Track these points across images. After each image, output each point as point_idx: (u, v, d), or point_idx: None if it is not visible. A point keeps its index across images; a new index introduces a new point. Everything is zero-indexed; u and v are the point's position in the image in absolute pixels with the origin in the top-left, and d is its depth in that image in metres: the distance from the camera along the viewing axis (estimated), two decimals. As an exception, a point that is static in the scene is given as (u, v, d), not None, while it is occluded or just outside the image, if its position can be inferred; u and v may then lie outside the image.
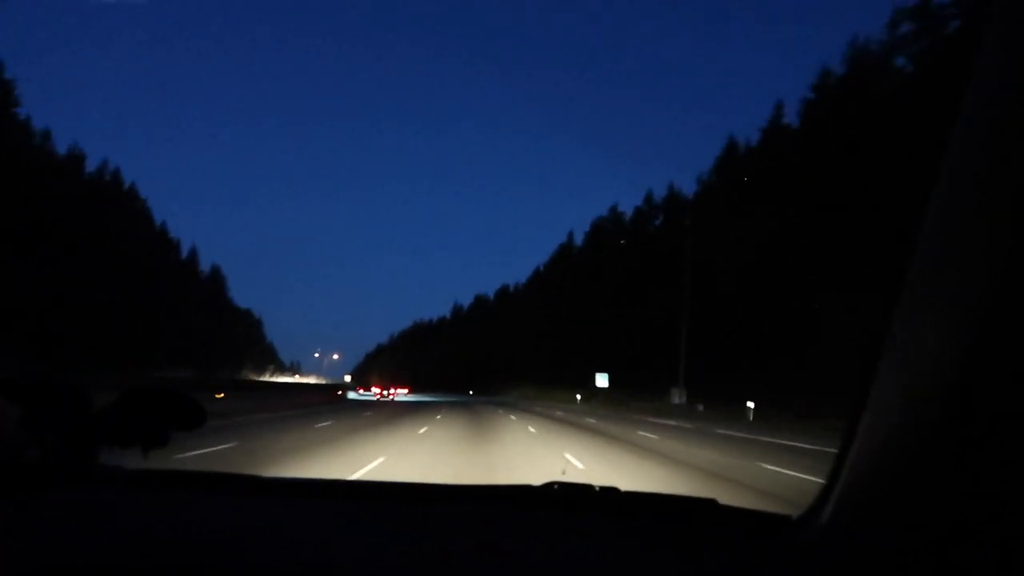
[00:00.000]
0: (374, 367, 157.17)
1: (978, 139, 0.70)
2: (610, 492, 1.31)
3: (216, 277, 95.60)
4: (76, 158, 57.87)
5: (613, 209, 74.73)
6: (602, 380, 51.40)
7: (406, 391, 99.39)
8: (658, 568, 0.97)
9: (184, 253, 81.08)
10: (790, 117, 42.99)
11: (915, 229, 0.76)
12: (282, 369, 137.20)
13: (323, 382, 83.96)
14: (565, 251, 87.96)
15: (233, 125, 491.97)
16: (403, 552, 0.99)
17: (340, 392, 54.23)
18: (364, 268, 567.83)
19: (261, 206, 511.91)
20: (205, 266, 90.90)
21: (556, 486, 1.33)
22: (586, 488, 1.32)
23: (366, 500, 1.34)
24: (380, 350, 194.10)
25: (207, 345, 68.66)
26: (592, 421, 25.74)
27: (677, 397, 35.15)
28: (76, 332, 42.66)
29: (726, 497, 1.33)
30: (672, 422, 25.60)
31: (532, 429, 19.21)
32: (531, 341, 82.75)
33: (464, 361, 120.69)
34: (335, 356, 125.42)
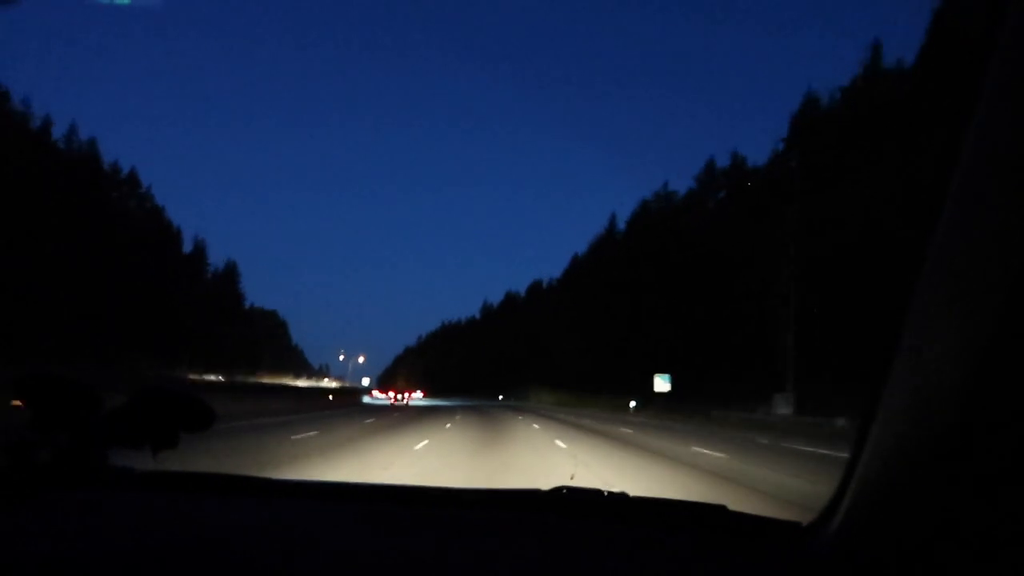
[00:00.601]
0: (400, 370, 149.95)
1: (992, 141, 0.69)
2: (619, 498, 1.31)
3: (230, 275, 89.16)
4: (81, 151, 54.72)
5: (664, 187, 63.95)
6: (662, 383, 41.71)
7: (421, 395, 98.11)
8: (667, 575, 0.97)
9: (190, 248, 76.13)
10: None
11: (926, 233, 0.74)
12: (310, 372, 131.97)
13: (344, 385, 79.85)
14: (606, 239, 76.41)
15: (263, 128, 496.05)
16: (410, 556, 1.00)
17: (353, 396, 52.08)
18: (394, 270, 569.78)
19: (290, 209, 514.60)
20: (218, 262, 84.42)
21: (565, 491, 1.33)
22: (595, 493, 1.32)
23: (375, 503, 1.35)
24: (408, 352, 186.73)
25: (211, 344, 64.08)
26: (679, 448, 14.95)
27: (783, 406, 26.71)
28: (67, 330, 41.22)
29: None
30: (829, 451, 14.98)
31: (575, 453, 12.78)
32: (567, 340, 72.14)
33: (492, 363, 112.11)
34: (360, 359, 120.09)
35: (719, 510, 1.19)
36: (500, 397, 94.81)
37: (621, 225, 73.48)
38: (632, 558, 1.02)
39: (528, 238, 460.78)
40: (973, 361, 0.66)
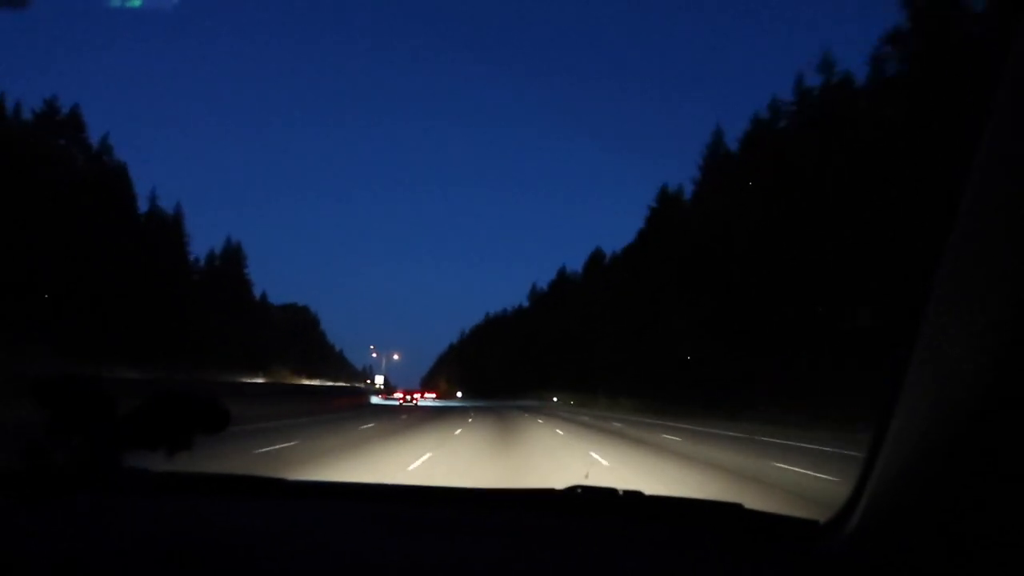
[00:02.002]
0: (441, 371, 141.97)
1: (1007, 139, 0.69)
2: (634, 496, 1.30)
3: (234, 269, 79.90)
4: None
5: (798, 85, 39.02)
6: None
7: (434, 396, 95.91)
8: (683, 574, 0.97)
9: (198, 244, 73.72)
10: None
11: (944, 231, 0.74)
12: (352, 374, 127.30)
13: (355, 385, 76.15)
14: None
15: (308, 129, 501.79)
16: (426, 557, 1.00)
17: (359, 397, 48.73)
18: (439, 268, 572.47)
19: (335, 212, 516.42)
20: (201, 250, 79.04)
21: (580, 490, 1.32)
22: (610, 492, 1.31)
23: (390, 504, 1.35)
24: (451, 349, 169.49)
25: (210, 341, 60.01)
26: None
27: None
28: (80, 334, 40.08)
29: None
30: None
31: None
32: (634, 329, 52.68)
33: (536, 359, 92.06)
34: (395, 356, 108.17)
35: (735, 508, 1.19)
36: (555, 399, 74.28)
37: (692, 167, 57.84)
38: (648, 557, 1.02)
39: (578, 224, 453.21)
40: (992, 359, 0.65)
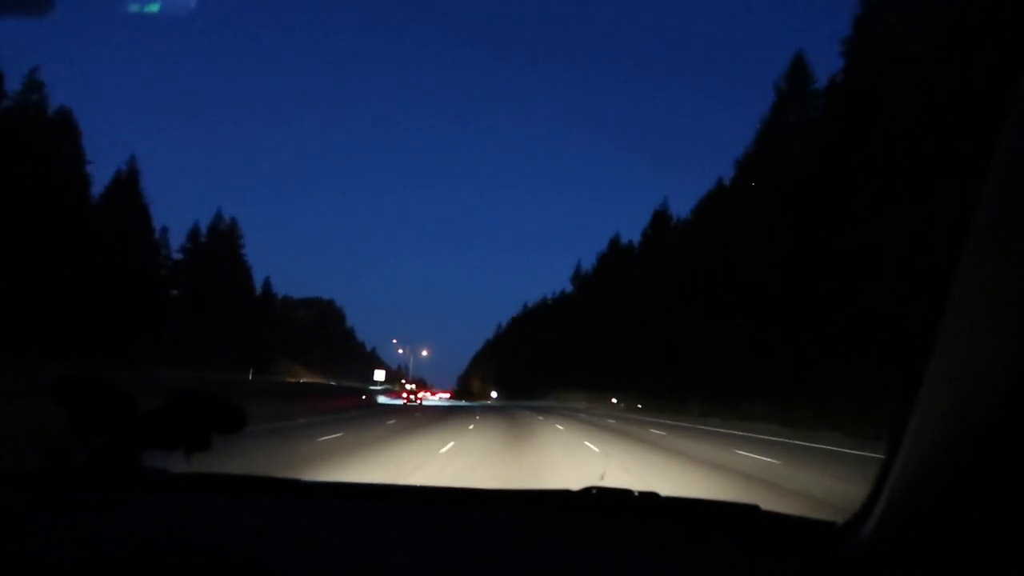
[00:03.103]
0: (476, 368, 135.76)
1: None
2: (650, 498, 1.29)
3: (226, 238, 69.80)
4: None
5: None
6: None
7: (448, 395, 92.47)
8: None
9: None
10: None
11: (962, 231, 0.74)
12: (392, 375, 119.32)
13: (351, 384, 66.94)
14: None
15: (347, 125, 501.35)
16: (440, 557, 1.00)
17: (354, 397, 40.37)
18: (474, 265, 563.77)
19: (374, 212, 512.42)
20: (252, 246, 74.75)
21: (594, 491, 1.32)
22: (625, 493, 1.31)
23: (406, 505, 1.35)
24: (487, 345, 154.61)
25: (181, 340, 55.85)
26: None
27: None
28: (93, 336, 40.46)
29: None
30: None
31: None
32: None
33: (581, 349, 73.93)
34: (424, 352, 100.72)
35: (751, 510, 1.18)
36: (614, 400, 55.37)
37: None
38: (663, 559, 1.02)
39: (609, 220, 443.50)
40: (1012, 359, 0.65)
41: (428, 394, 70.34)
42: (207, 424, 1.23)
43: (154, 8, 2.68)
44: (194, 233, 68.59)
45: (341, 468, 9.05)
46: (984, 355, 0.68)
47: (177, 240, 66.18)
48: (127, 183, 54.87)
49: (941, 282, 0.76)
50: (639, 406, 46.44)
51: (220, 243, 70.32)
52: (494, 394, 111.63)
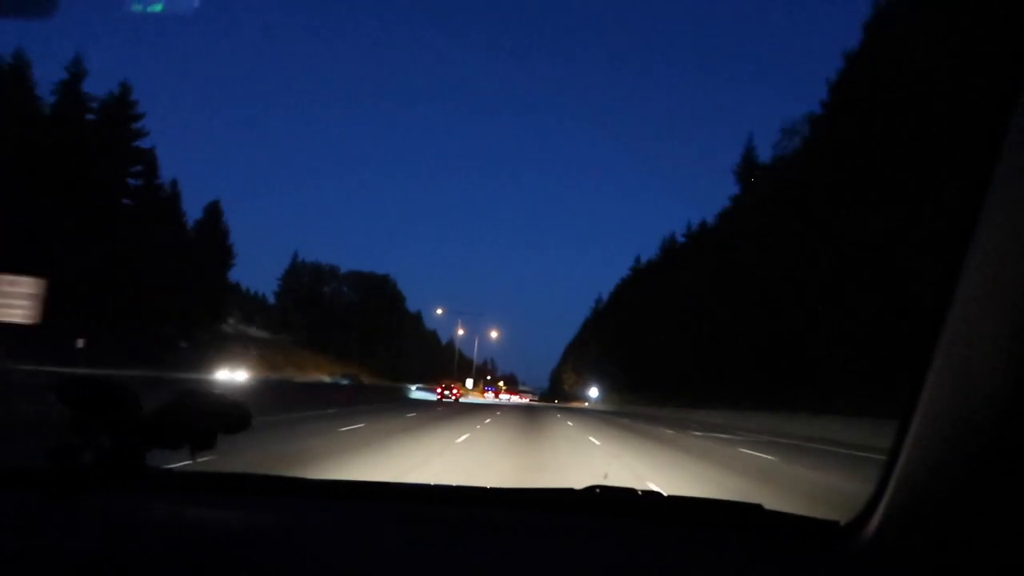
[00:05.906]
0: (567, 364, 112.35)
1: None
2: (653, 497, 1.29)
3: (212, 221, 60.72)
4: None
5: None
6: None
7: (493, 394, 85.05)
8: (703, 575, 0.96)
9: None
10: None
11: (966, 234, 0.74)
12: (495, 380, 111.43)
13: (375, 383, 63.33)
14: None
15: (423, 117, 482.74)
16: (443, 555, 1.00)
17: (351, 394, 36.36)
18: (553, 256, 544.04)
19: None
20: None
21: (598, 490, 1.31)
22: (629, 492, 1.30)
23: (412, 503, 1.35)
24: (577, 337, 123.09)
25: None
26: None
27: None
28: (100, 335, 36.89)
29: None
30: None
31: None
32: None
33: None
34: (493, 334, 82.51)
35: (755, 509, 1.18)
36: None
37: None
38: (667, 557, 1.01)
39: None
40: (1013, 362, 0.65)
41: (457, 391, 60.48)
42: (212, 424, 1.25)
43: (157, 8, 2.65)
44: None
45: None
46: (985, 358, 0.69)
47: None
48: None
49: (943, 286, 0.76)
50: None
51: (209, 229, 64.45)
52: (594, 393, 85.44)
